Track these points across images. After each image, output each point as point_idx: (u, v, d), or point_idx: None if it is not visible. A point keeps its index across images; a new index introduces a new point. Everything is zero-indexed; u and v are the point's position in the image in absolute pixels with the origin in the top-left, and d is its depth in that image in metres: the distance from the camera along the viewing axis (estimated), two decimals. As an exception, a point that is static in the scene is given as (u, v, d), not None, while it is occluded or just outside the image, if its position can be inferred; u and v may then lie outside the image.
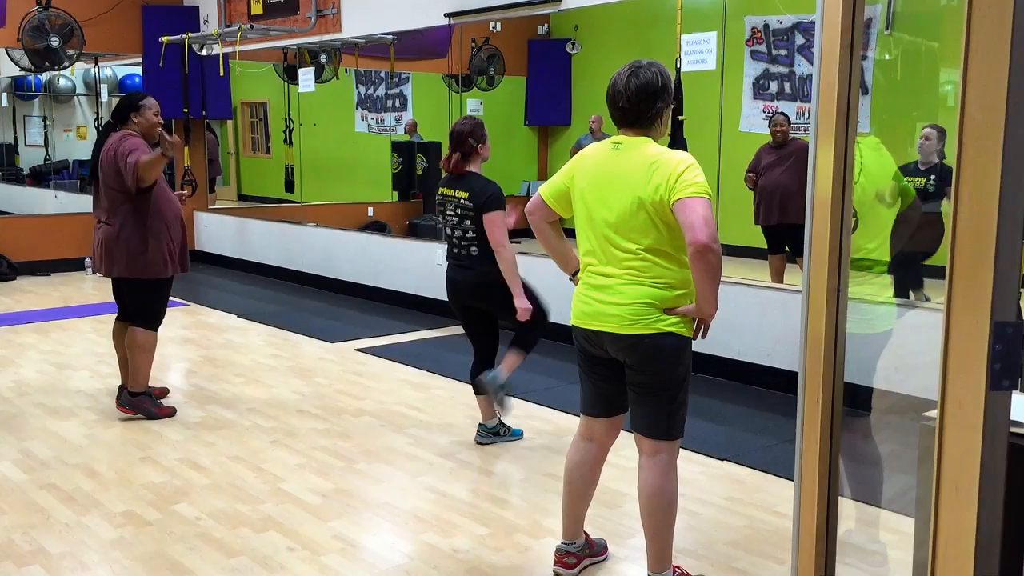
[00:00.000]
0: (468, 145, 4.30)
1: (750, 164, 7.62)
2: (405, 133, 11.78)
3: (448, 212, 4.36)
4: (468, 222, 4.27)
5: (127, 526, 3.60)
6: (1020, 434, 1.61)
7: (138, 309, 4.99)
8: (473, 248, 4.29)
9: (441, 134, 10.55)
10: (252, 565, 3.28)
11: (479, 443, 4.53)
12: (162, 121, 4.98)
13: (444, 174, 4.44)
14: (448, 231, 4.40)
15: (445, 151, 4.45)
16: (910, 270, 5.20)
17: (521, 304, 4.25)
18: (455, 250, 4.39)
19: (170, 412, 5.05)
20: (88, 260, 9.91)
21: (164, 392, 5.31)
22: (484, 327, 4.51)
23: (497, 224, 4.21)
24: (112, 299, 5.21)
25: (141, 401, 4.99)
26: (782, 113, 7.86)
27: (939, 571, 1.60)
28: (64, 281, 9.48)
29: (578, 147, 10.32)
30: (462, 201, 4.27)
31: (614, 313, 2.86)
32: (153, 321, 5.02)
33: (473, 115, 4.53)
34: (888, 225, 3.44)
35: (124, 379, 5.12)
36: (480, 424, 4.57)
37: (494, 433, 4.54)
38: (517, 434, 4.62)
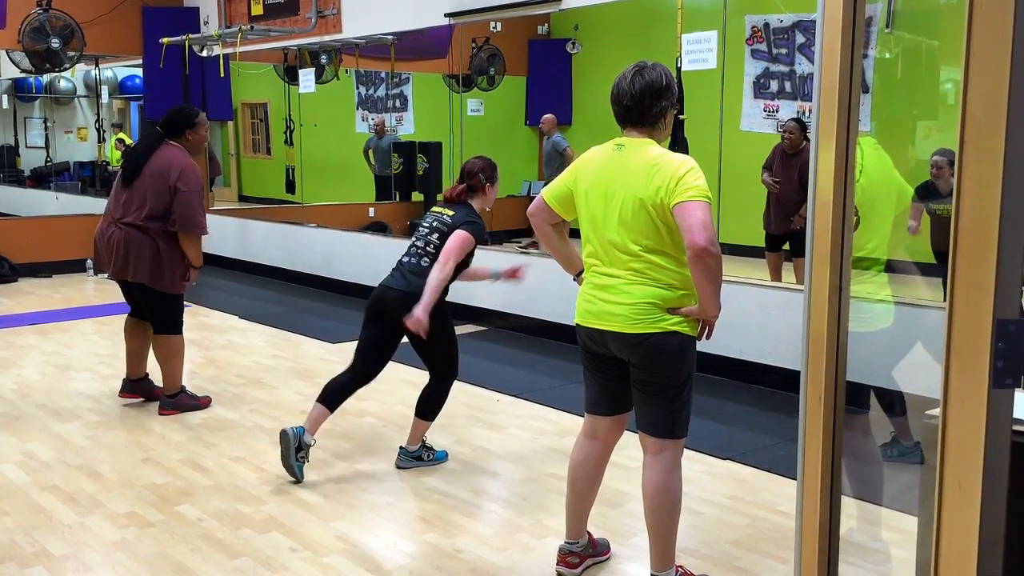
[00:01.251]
0: (477, 180, 4.15)
1: (766, 160, 7.53)
2: (374, 132, 11.69)
3: (424, 224, 4.20)
4: (436, 236, 4.08)
5: (130, 527, 3.61)
6: (1023, 432, 1.61)
7: (160, 318, 5.09)
8: (425, 260, 4.07)
9: (441, 134, 10.55)
10: (254, 566, 3.29)
11: (399, 467, 4.26)
12: (208, 138, 5.11)
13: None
14: (415, 239, 4.19)
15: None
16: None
17: (420, 313, 3.87)
18: (405, 259, 4.16)
19: (209, 401, 5.27)
20: (90, 261, 9.92)
21: (208, 401, 5.32)
22: (382, 347, 4.19)
23: (459, 242, 3.99)
24: (113, 299, 5.26)
25: (180, 400, 5.15)
26: (793, 119, 7.68)
27: (942, 569, 1.60)
28: (65, 282, 9.47)
29: (553, 148, 10.40)
30: (443, 216, 4.13)
31: (619, 312, 2.87)
32: (176, 326, 5.13)
33: (487, 156, 4.36)
34: (887, 225, 3.45)
35: (131, 371, 5.24)
36: (401, 448, 4.32)
37: (416, 457, 4.29)
38: (441, 457, 4.37)
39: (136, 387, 5.24)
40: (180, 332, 5.13)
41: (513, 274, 4.37)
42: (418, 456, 4.30)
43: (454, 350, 4.24)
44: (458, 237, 4.02)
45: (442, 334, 4.15)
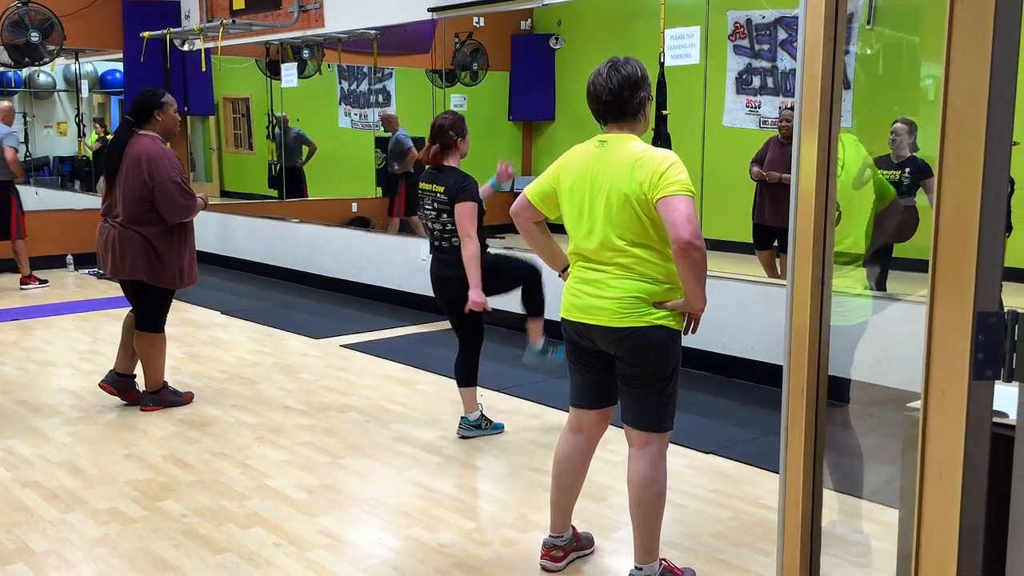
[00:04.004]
0: (448, 137, 4.32)
1: (757, 153, 7.51)
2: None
3: (427, 206, 4.39)
4: (445, 216, 4.31)
5: (112, 523, 3.59)
6: (1002, 423, 1.62)
7: (145, 314, 5.05)
8: (455, 239, 4.32)
9: (424, 130, 10.49)
10: (238, 561, 3.28)
11: (462, 437, 4.53)
12: (180, 118, 5.04)
13: (425, 167, 4.46)
14: (429, 224, 4.44)
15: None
16: (883, 262, 5.26)
17: (476, 296, 4.24)
18: (436, 243, 4.43)
19: (191, 396, 5.24)
20: (70, 257, 9.85)
21: (191, 397, 5.27)
22: (465, 319, 4.50)
23: (467, 215, 4.22)
24: (94, 295, 5.22)
25: (163, 396, 5.12)
26: (791, 108, 7.73)
27: (923, 560, 1.61)
28: (45, 278, 9.40)
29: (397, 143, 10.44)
30: (438, 196, 4.31)
31: (604, 307, 2.88)
32: (158, 323, 5.09)
33: (454, 110, 4.54)
34: (865, 220, 3.47)
35: (120, 365, 5.18)
36: (462, 417, 4.58)
37: (476, 426, 4.55)
38: (498, 428, 4.63)
39: (119, 381, 5.17)
40: (162, 330, 5.09)
41: (506, 175, 4.55)
42: (478, 424, 4.54)
43: (481, 319, 4.49)
44: (462, 211, 4.21)
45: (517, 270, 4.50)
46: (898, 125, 5.73)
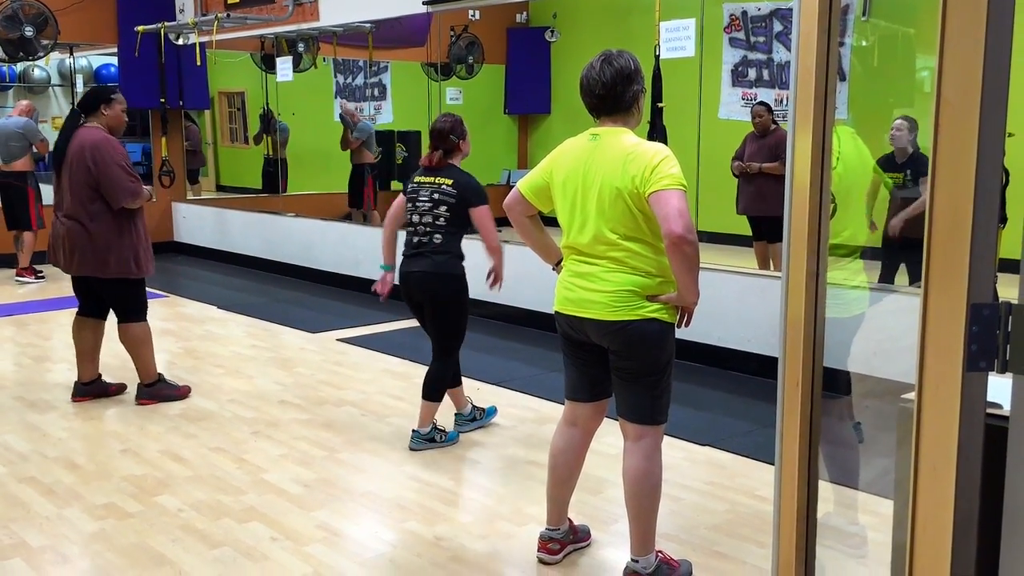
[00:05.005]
0: (450, 141, 4.21)
1: (737, 151, 7.63)
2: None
3: (422, 198, 4.21)
4: (444, 208, 4.16)
5: (108, 518, 3.59)
6: (996, 415, 1.63)
7: (121, 304, 5.00)
8: (437, 236, 4.17)
9: (420, 123, 10.51)
10: (235, 555, 3.28)
11: (412, 449, 4.32)
12: (127, 120, 5.01)
13: (421, 168, 4.33)
14: (416, 218, 4.23)
15: (425, 140, 4.41)
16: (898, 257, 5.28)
17: (500, 272, 4.25)
18: (415, 239, 4.23)
19: (188, 390, 5.20)
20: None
21: (122, 388, 5.25)
22: (442, 321, 4.33)
23: (489, 217, 4.15)
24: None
25: (158, 389, 5.09)
26: (761, 102, 7.89)
27: (917, 551, 1.62)
28: (43, 277, 9.38)
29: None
30: (443, 187, 4.17)
31: (597, 300, 2.88)
32: (140, 312, 5.03)
33: (452, 112, 4.44)
34: (861, 213, 3.47)
35: (81, 373, 5.12)
36: (414, 431, 4.37)
37: (428, 439, 4.35)
38: (491, 413, 4.63)
39: (87, 390, 5.11)
40: (144, 319, 5.02)
41: (493, 279, 4.33)
42: (431, 438, 4.35)
43: (464, 324, 4.34)
44: (483, 216, 4.15)
45: (462, 307, 4.27)
46: (899, 122, 5.73)
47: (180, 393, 5.15)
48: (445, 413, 4.55)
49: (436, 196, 4.19)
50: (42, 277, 8.96)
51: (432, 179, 4.23)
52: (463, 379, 4.61)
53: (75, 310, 5.18)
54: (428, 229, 4.19)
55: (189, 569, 3.18)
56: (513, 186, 3.20)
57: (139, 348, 5.02)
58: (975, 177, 1.47)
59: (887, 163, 5.72)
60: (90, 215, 4.76)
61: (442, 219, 4.17)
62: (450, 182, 4.18)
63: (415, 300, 4.31)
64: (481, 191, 4.21)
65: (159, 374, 5.14)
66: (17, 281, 8.89)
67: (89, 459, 4.24)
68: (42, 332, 6.77)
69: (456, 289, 4.22)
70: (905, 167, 5.71)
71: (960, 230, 1.49)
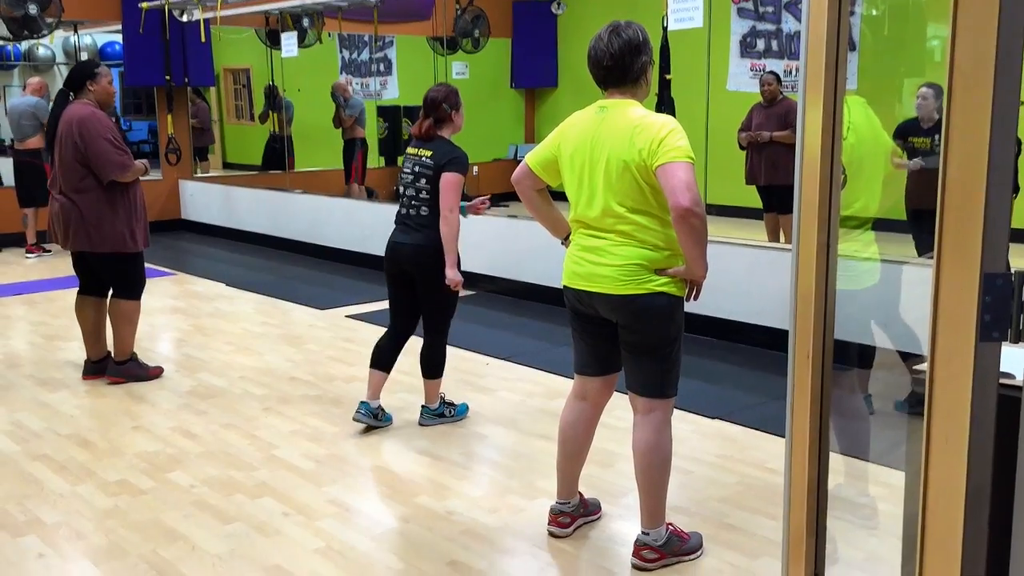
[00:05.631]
0: (442, 111, 4.13)
1: (743, 122, 7.58)
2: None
3: (405, 170, 4.17)
4: (424, 181, 4.09)
5: (121, 495, 3.61)
6: (1010, 385, 1.62)
7: (115, 280, 4.99)
8: (424, 208, 4.10)
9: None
10: (247, 531, 3.30)
11: (422, 424, 4.32)
12: (115, 90, 5.00)
13: (411, 138, 4.29)
14: (402, 189, 4.20)
15: None
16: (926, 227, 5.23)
17: (453, 275, 4.06)
18: (403, 210, 4.19)
19: (159, 372, 5.15)
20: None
21: (159, 371, 5.23)
22: (411, 302, 4.26)
23: (452, 187, 4.02)
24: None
25: (129, 368, 5.06)
26: (771, 72, 7.82)
27: (929, 522, 1.62)
28: (51, 252, 9.41)
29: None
30: (423, 159, 4.10)
31: (606, 274, 2.87)
32: (133, 289, 5.02)
33: (447, 82, 4.36)
34: (873, 183, 3.45)
35: (90, 351, 5.13)
36: (423, 407, 4.36)
37: (439, 415, 4.35)
38: (462, 411, 4.45)
39: (97, 368, 5.12)
40: (137, 298, 5.02)
41: (476, 209, 4.35)
42: (440, 413, 4.36)
43: (454, 301, 4.27)
44: (448, 182, 4.03)
45: (446, 284, 4.16)
46: (925, 90, 5.66)
47: (151, 374, 5.09)
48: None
49: (417, 168, 4.12)
50: (48, 251, 9.08)
51: (416, 151, 4.16)
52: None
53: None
54: (414, 202, 4.14)
55: (202, 544, 3.20)
56: (520, 160, 3.18)
57: (123, 325, 4.99)
58: (988, 147, 1.46)
59: (913, 128, 5.68)
60: (80, 191, 4.76)
61: (424, 192, 4.10)
62: (429, 154, 4.09)
63: (400, 272, 4.21)
64: (459, 161, 4.07)
65: (133, 353, 5.09)
66: (27, 257, 9.07)
67: (101, 436, 4.26)
68: (52, 310, 6.79)
69: (440, 267, 4.11)
70: (932, 132, 5.66)
71: (973, 200, 1.48)
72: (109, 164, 4.72)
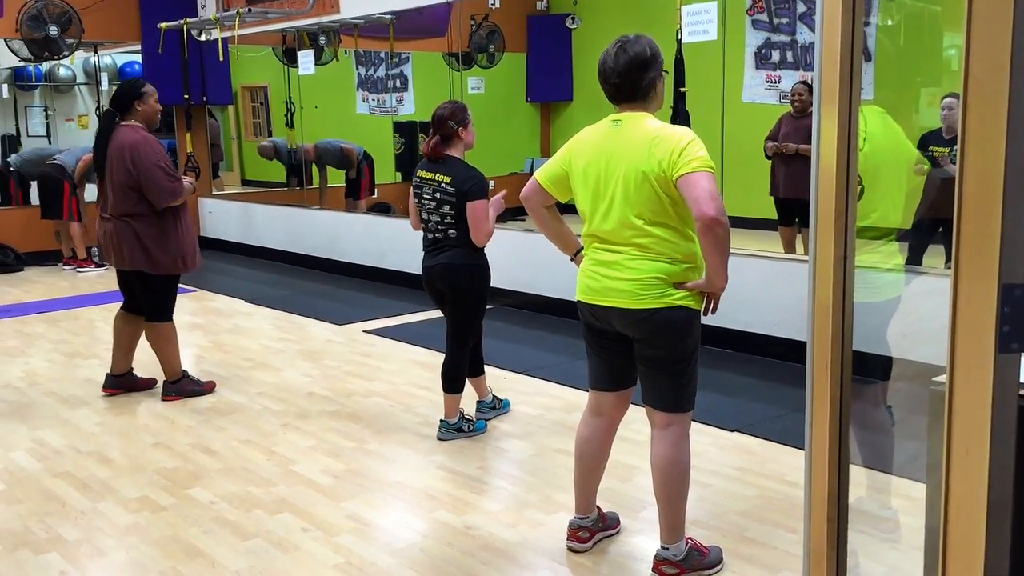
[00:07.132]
0: (447, 127, 4.12)
1: (771, 131, 7.51)
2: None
3: (426, 196, 4.17)
4: (447, 207, 4.10)
5: (142, 511, 3.63)
6: (1030, 396, 1.60)
7: (150, 304, 5.07)
8: (452, 231, 4.14)
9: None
10: (267, 547, 3.31)
11: (440, 439, 4.35)
12: (161, 108, 5.04)
13: (422, 158, 4.28)
14: (424, 215, 4.21)
15: None
16: (928, 237, 5.21)
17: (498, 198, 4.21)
18: (431, 235, 4.22)
19: (212, 386, 5.25)
20: (95, 249, 9.94)
21: (151, 383, 5.30)
22: (459, 312, 4.36)
23: (483, 212, 4.07)
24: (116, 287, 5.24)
25: (183, 385, 5.15)
26: (802, 82, 7.72)
27: (951, 534, 1.60)
28: (71, 271, 9.49)
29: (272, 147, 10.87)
30: (443, 185, 4.10)
31: (623, 288, 2.86)
32: (166, 313, 5.10)
33: (456, 100, 4.38)
34: (893, 194, 3.43)
35: (116, 366, 5.20)
36: (442, 420, 4.41)
37: (457, 429, 4.37)
38: (480, 427, 4.46)
39: (119, 383, 5.19)
40: (170, 319, 5.10)
41: (497, 206, 4.31)
42: (459, 428, 4.37)
43: (482, 312, 4.34)
44: (477, 211, 4.07)
45: (481, 295, 4.26)
46: (949, 100, 5.64)
47: (205, 389, 5.20)
48: (470, 404, 4.57)
49: (438, 196, 4.13)
50: (102, 266, 9.36)
51: (432, 175, 4.16)
52: (488, 368, 4.61)
53: (106, 305, 5.25)
54: (440, 227, 4.18)
55: (222, 560, 3.21)
56: (530, 175, 3.19)
57: (166, 347, 5.09)
58: (1005, 156, 1.45)
59: (935, 138, 5.67)
60: (134, 215, 4.85)
61: (449, 217, 4.14)
62: (448, 179, 4.10)
63: (436, 291, 4.32)
64: (480, 185, 4.09)
65: (184, 371, 5.18)
66: (77, 272, 9.41)
67: (122, 453, 4.29)
68: (73, 329, 6.84)
69: (475, 276, 4.22)
70: (952, 142, 5.65)
71: (991, 209, 1.47)
72: (161, 192, 4.82)
